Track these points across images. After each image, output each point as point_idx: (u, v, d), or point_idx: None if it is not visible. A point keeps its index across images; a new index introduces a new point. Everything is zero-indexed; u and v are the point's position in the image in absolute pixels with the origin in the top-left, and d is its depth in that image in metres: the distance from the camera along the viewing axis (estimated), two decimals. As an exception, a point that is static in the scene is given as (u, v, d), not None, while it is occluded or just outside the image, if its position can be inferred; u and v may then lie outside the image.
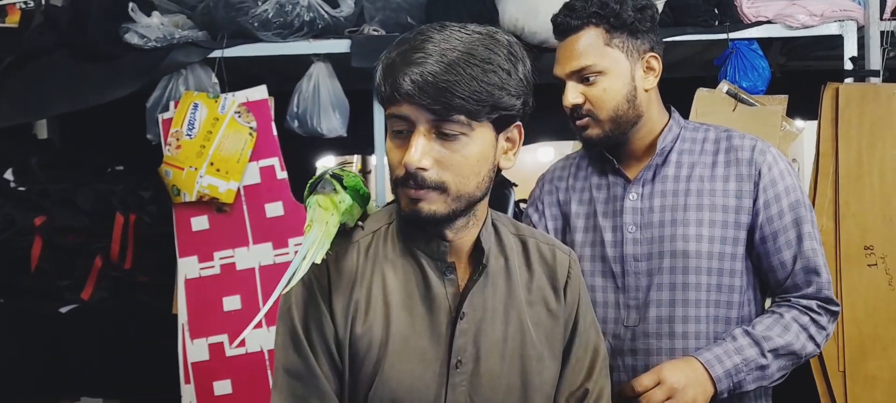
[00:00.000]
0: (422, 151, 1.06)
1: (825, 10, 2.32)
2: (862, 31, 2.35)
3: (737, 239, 1.48)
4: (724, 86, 2.35)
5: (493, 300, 1.17)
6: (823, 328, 1.49)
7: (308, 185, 1.16)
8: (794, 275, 1.48)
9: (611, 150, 1.53)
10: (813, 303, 1.48)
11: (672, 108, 1.57)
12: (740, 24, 2.35)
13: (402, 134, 1.08)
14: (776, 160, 1.49)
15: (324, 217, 1.10)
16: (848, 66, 2.33)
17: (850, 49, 2.34)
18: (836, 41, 2.38)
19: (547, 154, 7.30)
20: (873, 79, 2.30)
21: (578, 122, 1.49)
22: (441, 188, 1.08)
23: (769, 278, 1.51)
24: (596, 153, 1.57)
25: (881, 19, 2.33)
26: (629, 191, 1.51)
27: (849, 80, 2.31)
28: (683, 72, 3.31)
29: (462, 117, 1.05)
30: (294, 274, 1.06)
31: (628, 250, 1.49)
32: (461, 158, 1.07)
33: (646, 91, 1.50)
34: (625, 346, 1.49)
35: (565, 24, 1.48)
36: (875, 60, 2.30)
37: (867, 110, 2.23)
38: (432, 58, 1.03)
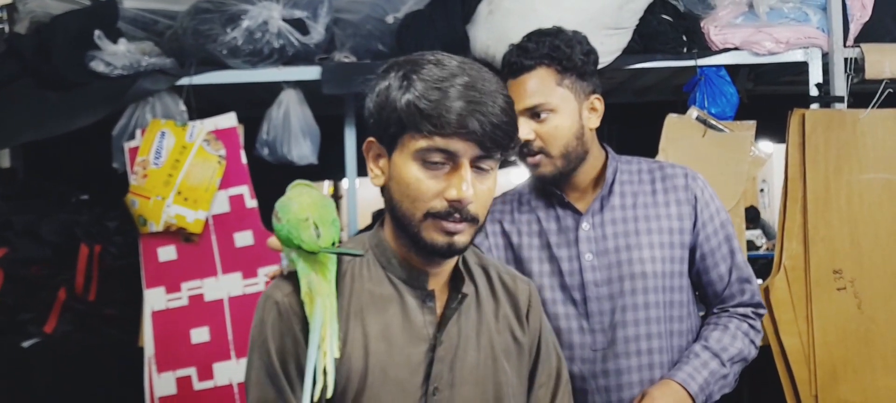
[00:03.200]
0: (470, 185, 1.09)
1: (790, 38, 2.37)
2: (826, 58, 2.41)
3: (682, 258, 1.61)
4: (693, 112, 2.39)
5: (466, 326, 1.19)
6: (759, 331, 1.67)
7: (286, 225, 1.11)
8: (731, 286, 1.64)
9: (556, 185, 1.61)
10: (748, 310, 1.65)
11: (605, 144, 1.68)
12: (708, 51, 2.40)
13: (437, 166, 1.09)
14: (705, 185, 1.65)
15: (324, 292, 1.10)
16: (813, 92, 2.39)
17: (816, 75, 2.40)
18: (803, 67, 2.44)
19: (522, 176, 7.37)
20: (838, 105, 2.36)
21: (531, 159, 1.56)
22: (475, 221, 1.12)
23: (708, 290, 1.66)
24: (541, 188, 1.65)
25: (845, 46, 2.39)
26: (582, 221, 1.60)
27: (814, 106, 2.37)
28: (653, 96, 3.37)
29: (498, 154, 1.11)
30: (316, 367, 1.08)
31: (588, 277, 1.58)
32: (487, 191, 1.13)
33: (590, 129, 1.60)
34: (596, 368, 1.57)
35: (519, 64, 1.56)
36: (840, 86, 2.36)
37: (833, 136, 2.28)
38: (494, 100, 1.08)
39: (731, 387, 1.62)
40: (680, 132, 2.40)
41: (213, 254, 2.36)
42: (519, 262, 1.63)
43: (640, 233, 1.58)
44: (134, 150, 2.36)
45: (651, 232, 1.59)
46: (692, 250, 1.62)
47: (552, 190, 1.62)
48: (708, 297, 1.68)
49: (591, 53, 1.59)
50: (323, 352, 1.07)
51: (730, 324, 1.63)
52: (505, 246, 1.65)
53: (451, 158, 1.08)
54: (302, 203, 1.12)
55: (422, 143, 1.08)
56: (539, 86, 1.54)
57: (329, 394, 1.07)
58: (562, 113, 1.54)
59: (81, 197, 2.67)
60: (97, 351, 2.44)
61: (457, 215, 1.09)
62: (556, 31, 1.59)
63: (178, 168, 2.33)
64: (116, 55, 2.33)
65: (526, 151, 1.55)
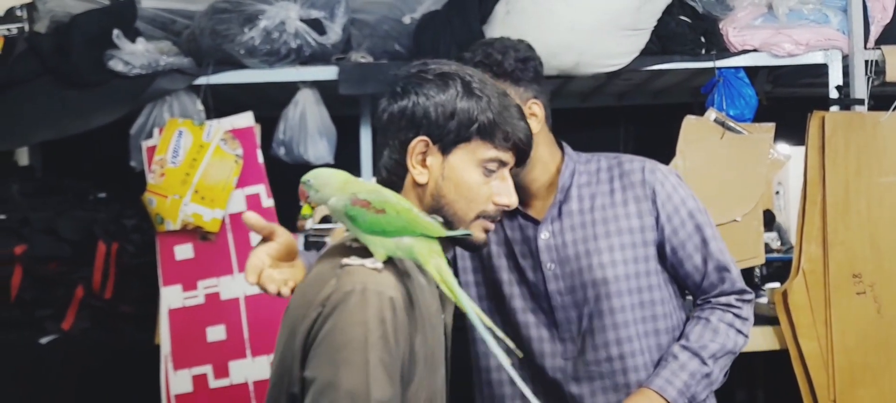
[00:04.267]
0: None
1: (810, 39, 2.36)
2: (846, 60, 2.39)
3: (647, 256, 1.57)
4: (711, 113, 2.38)
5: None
6: (746, 318, 1.61)
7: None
8: (708, 276, 1.59)
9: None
10: (731, 298, 1.60)
11: (564, 144, 1.65)
12: (727, 52, 2.39)
13: (492, 173, 1.22)
14: (666, 176, 1.60)
15: (449, 270, 1.14)
16: (833, 94, 2.38)
17: (835, 77, 2.38)
18: (822, 69, 2.42)
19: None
20: (858, 108, 2.34)
21: None
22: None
23: (687, 283, 1.63)
24: None
25: (865, 48, 2.37)
26: (540, 230, 1.58)
27: (834, 109, 2.35)
28: (671, 98, 3.36)
29: None
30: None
31: (552, 287, 1.57)
32: None
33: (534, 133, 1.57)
34: (569, 376, 1.57)
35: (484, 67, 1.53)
36: (860, 89, 2.35)
37: (853, 138, 2.26)
38: (522, 116, 1.25)
39: (720, 383, 1.60)
40: (698, 134, 2.39)
41: (230, 253, 2.38)
42: (489, 271, 1.63)
43: (599, 238, 1.56)
44: (151, 149, 2.38)
45: (610, 235, 1.56)
46: (660, 246, 1.58)
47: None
48: (689, 289, 1.65)
49: (528, 60, 1.57)
50: (483, 321, 1.12)
51: (712, 317, 1.59)
52: (473, 257, 1.64)
53: (502, 166, 1.22)
54: (383, 192, 1.15)
55: (491, 153, 1.20)
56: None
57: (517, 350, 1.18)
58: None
59: (99, 195, 2.69)
60: (114, 349, 2.46)
61: (499, 216, 1.23)
62: (493, 41, 1.60)
63: (196, 167, 2.35)
64: (135, 54, 2.35)
65: None
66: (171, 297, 2.36)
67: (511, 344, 1.14)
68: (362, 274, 1.08)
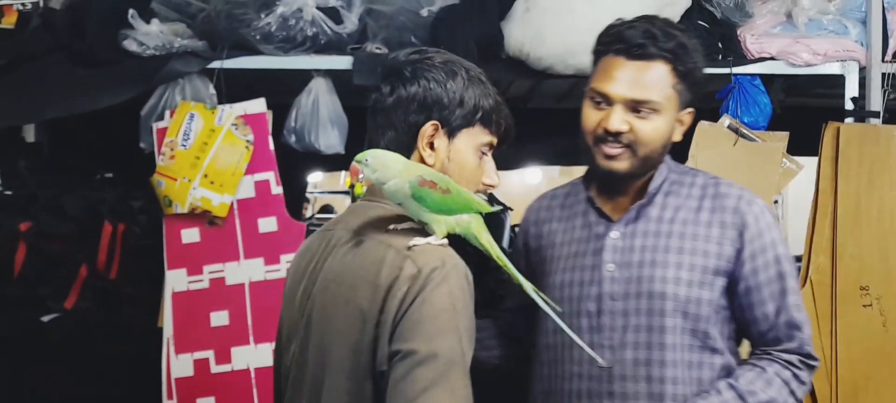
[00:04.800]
0: None
1: (828, 50, 2.36)
2: (863, 72, 2.40)
3: (713, 285, 1.48)
4: (725, 120, 2.38)
5: None
6: (804, 383, 1.50)
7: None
8: (777, 329, 1.49)
9: (604, 186, 1.56)
10: (794, 358, 1.49)
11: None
12: (744, 59, 2.39)
13: (484, 155, 1.34)
14: (762, 212, 1.51)
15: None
16: (849, 105, 2.38)
17: (852, 89, 2.39)
18: (836, 80, 2.43)
19: (534, 176, 7.38)
20: (874, 120, 2.35)
21: (610, 149, 1.48)
22: None
23: (751, 329, 1.52)
24: (582, 190, 1.59)
25: (883, 61, 2.38)
26: (611, 229, 1.53)
27: (849, 120, 2.36)
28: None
29: None
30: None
31: (606, 288, 1.50)
32: None
33: (673, 141, 1.54)
34: (602, 389, 1.48)
35: (642, 49, 1.46)
36: (876, 101, 2.35)
37: (867, 151, 2.27)
38: None
39: None
40: (711, 140, 2.39)
41: (237, 239, 2.37)
42: (543, 263, 1.60)
43: (669, 251, 1.48)
44: (162, 131, 2.37)
45: (683, 252, 1.47)
46: (734, 281, 1.48)
47: (589, 195, 1.57)
48: (751, 336, 1.54)
49: (703, 67, 1.54)
50: (526, 286, 1.32)
51: (769, 368, 1.47)
52: (539, 248, 1.62)
53: (490, 150, 1.34)
54: (442, 174, 1.25)
55: (487, 138, 1.31)
56: (656, 81, 1.46)
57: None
58: (664, 116, 1.47)
59: (106, 174, 2.68)
60: (116, 330, 2.45)
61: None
62: (683, 30, 1.53)
63: (206, 151, 2.34)
64: (149, 35, 2.34)
65: (608, 140, 1.47)
66: (176, 280, 2.35)
67: (557, 309, 1.32)
68: (436, 251, 1.18)
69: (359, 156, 1.21)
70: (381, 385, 1.12)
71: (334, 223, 1.36)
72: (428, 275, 1.13)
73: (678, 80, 1.48)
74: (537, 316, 1.56)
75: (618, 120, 1.46)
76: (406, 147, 1.26)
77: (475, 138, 1.29)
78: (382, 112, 1.28)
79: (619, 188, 1.54)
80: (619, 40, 1.49)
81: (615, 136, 1.46)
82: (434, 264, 1.15)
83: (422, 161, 1.27)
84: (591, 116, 1.50)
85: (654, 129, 1.46)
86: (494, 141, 1.32)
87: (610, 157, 1.48)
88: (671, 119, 1.49)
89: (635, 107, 1.46)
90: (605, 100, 1.48)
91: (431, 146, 1.27)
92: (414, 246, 1.17)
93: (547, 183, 8.18)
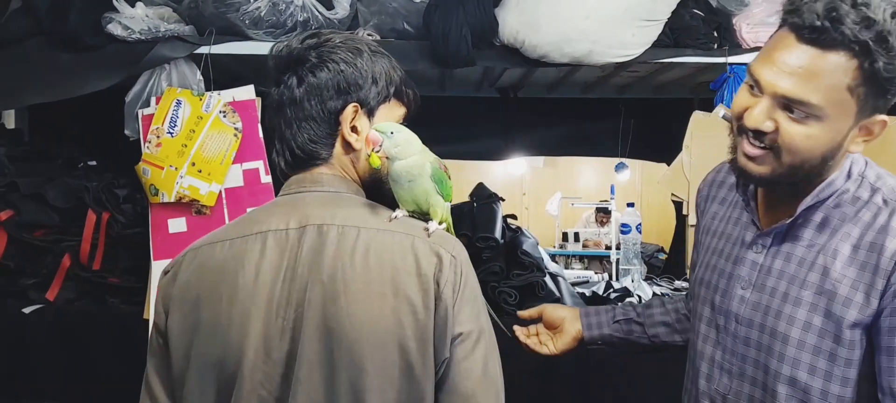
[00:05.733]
0: None
1: (823, 40, 2.35)
2: (857, 63, 2.38)
3: (839, 338, 1.20)
4: (720, 110, 2.38)
5: None
6: None
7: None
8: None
9: (754, 184, 1.32)
10: None
11: (854, 159, 1.27)
12: (739, 48, 2.39)
13: None
14: None
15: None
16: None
17: (846, 79, 2.38)
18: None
19: (519, 167, 7.39)
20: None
21: (750, 148, 1.21)
22: None
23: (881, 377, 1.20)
24: (744, 184, 1.34)
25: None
26: (756, 243, 1.30)
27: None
28: (672, 93, 3.36)
29: None
30: None
31: (734, 307, 1.31)
32: None
33: (848, 151, 1.22)
34: None
35: (819, 31, 1.12)
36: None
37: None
38: None
39: None
40: (706, 130, 2.39)
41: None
42: (699, 248, 1.45)
43: (807, 286, 1.22)
44: (148, 118, 2.33)
45: (822, 292, 1.21)
46: (870, 335, 1.20)
47: (747, 194, 1.34)
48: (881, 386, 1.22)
49: None
50: None
51: None
52: (699, 226, 1.48)
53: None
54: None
55: (401, 111, 1.29)
56: (828, 78, 1.11)
57: None
58: (827, 124, 1.14)
59: (89, 162, 2.64)
60: (100, 321, 2.42)
61: None
62: (893, 15, 1.12)
63: (193, 139, 2.30)
64: (134, 19, 2.29)
65: (749, 135, 1.19)
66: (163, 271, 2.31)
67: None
68: (446, 234, 1.21)
69: (382, 127, 1.19)
70: (437, 371, 1.14)
71: (267, 219, 1.19)
72: (460, 259, 1.17)
73: (862, 81, 1.12)
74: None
75: (760, 115, 1.17)
76: (328, 135, 1.22)
77: (391, 112, 1.27)
78: (293, 104, 1.22)
79: (783, 189, 1.27)
80: (797, 12, 1.13)
81: (756, 134, 1.19)
82: (457, 247, 1.19)
83: (347, 146, 1.23)
84: (741, 100, 1.22)
85: (808, 137, 1.15)
86: (406, 112, 1.30)
87: (748, 156, 1.21)
88: (841, 128, 1.16)
89: (788, 105, 1.15)
90: (757, 86, 1.19)
91: (354, 129, 1.23)
92: (433, 231, 1.19)
93: (531, 173, 8.21)
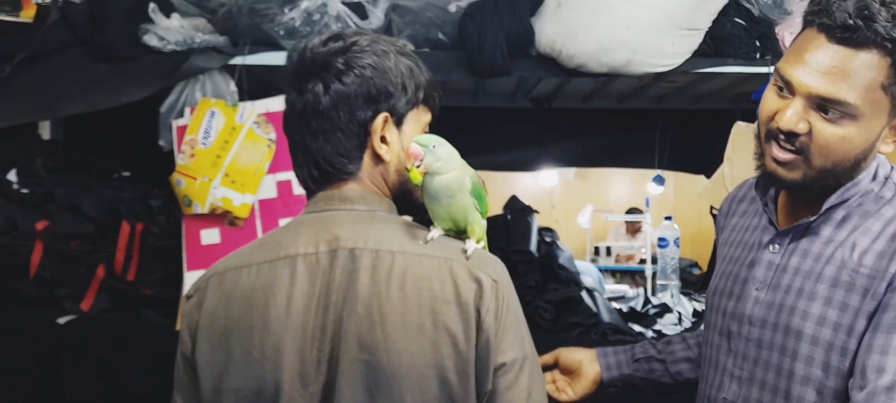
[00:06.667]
0: None
1: (870, 49, 2.30)
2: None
3: (852, 330, 1.17)
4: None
5: None
6: None
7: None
8: (866, 378, 1.13)
9: (780, 189, 1.30)
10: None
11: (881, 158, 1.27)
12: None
13: None
14: None
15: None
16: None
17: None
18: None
19: (550, 179, 7.35)
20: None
21: (780, 152, 1.19)
22: None
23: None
24: (763, 188, 1.33)
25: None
26: (773, 241, 1.29)
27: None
28: (710, 104, 3.32)
29: None
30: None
31: (747, 309, 1.28)
32: None
33: (879, 152, 1.23)
34: None
35: (852, 30, 1.12)
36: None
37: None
38: None
39: None
40: (748, 142, 2.31)
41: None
42: (717, 262, 1.44)
43: (823, 281, 1.20)
44: (182, 129, 2.35)
45: (838, 284, 1.19)
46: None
47: (774, 193, 1.32)
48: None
49: None
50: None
51: None
52: (718, 246, 1.47)
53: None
54: None
55: (428, 117, 1.23)
56: (862, 77, 1.12)
57: None
58: (862, 124, 1.14)
59: (123, 173, 2.66)
60: (133, 332, 2.43)
61: None
62: None
63: (227, 149, 2.31)
64: (170, 30, 2.32)
65: (779, 139, 1.18)
66: (196, 282, 2.33)
67: None
68: (485, 254, 1.16)
69: (423, 140, 1.12)
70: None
71: (294, 241, 1.15)
72: (502, 282, 1.12)
73: (895, 79, 1.13)
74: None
75: (793, 116, 1.15)
76: (357, 147, 1.16)
77: (419, 120, 1.20)
78: (319, 115, 1.14)
79: (805, 191, 1.25)
80: (825, 12, 1.14)
81: (788, 137, 1.17)
82: (498, 268, 1.13)
83: (377, 158, 1.17)
84: (769, 103, 1.22)
85: (842, 139, 1.15)
86: (432, 118, 1.22)
87: (777, 161, 1.20)
88: (874, 127, 1.16)
89: (822, 105, 1.14)
90: (788, 88, 1.18)
91: (384, 140, 1.17)
92: (472, 253, 1.13)
93: (562, 185, 8.17)
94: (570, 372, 1.58)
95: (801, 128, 1.16)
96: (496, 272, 1.12)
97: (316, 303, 1.11)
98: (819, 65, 1.14)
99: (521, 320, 1.14)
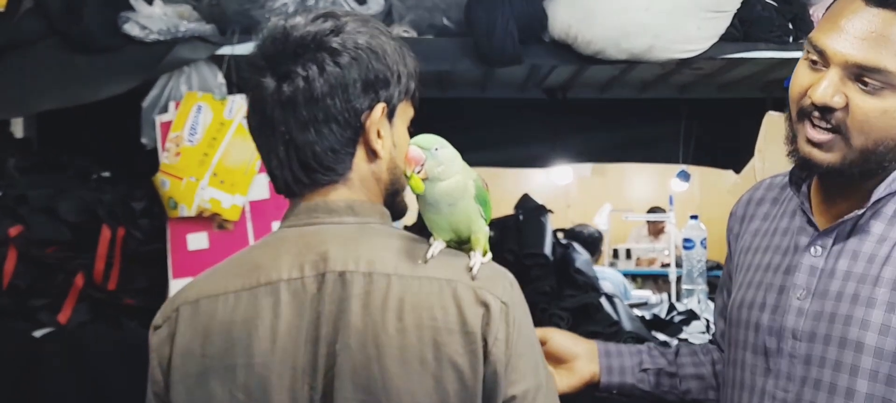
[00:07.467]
0: None
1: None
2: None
3: None
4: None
5: None
6: None
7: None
8: None
9: (821, 181, 1.26)
10: None
11: None
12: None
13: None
14: None
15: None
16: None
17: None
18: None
19: (564, 175, 7.33)
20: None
21: (813, 131, 1.16)
22: None
23: None
24: (804, 182, 1.29)
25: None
26: (815, 243, 1.23)
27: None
28: (738, 92, 3.30)
29: None
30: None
31: (789, 321, 1.23)
32: None
33: None
34: None
35: None
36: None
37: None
38: None
39: None
40: (780, 133, 2.29)
41: (249, 244, 2.32)
42: (737, 273, 1.38)
43: (881, 283, 1.15)
44: (166, 125, 2.33)
45: None
46: None
47: (806, 190, 1.28)
48: None
49: None
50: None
51: None
52: (732, 255, 1.42)
53: None
54: None
55: (412, 112, 1.18)
56: None
57: None
58: None
59: (103, 173, 2.65)
60: (115, 345, 2.41)
61: None
62: None
63: (215, 147, 2.29)
64: (152, 18, 2.30)
65: (813, 117, 1.15)
66: (182, 291, 2.31)
67: None
68: (493, 268, 1.11)
69: (424, 142, 1.07)
70: None
71: (275, 263, 1.09)
72: (512, 303, 1.07)
73: None
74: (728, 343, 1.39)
75: (828, 88, 1.12)
76: (350, 142, 1.10)
77: (405, 115, 1.16)
78: (312, 102, 1.07)
79: (837, 186, 1.22)
80: None
81: (823, 113, 1.14)
82: (507, 287, 1.08)
83: (372, 155, 1.12)
84: (801, 78, 1.18)
85: (884, 112, 1.11)
86: (414, 114, 1.18)
87: (812, 142, 1.16)
88: None
89: (860, 74, 1.11)
90: (822, 59, 1.15)
91: (379, 134, 1.11)
92: (477, 271, 1.07)
93: (578, 183, 8.15)
94: (558, 361, 1.46)
95: (837, 101, 1.13)
96: (506, 292, 1.07)
97: (304, 337, 1.05)
98: (856, 31, 1.11)
99: (534, 344, 1.10)
